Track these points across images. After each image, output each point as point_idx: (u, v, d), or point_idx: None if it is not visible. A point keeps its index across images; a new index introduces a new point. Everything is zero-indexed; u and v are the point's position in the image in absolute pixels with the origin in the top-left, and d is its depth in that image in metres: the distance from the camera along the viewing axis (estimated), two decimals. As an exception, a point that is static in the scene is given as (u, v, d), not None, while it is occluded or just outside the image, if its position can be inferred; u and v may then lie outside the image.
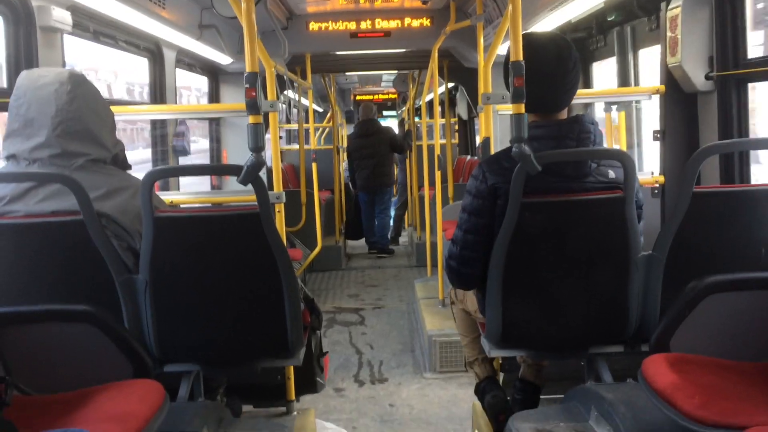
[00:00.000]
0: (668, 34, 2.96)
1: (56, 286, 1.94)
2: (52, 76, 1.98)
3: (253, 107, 2.04)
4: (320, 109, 12.81)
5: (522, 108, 1.94)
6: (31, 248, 1.92)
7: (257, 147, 2.02)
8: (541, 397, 2.52)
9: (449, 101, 8.41)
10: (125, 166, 2.14)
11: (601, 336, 2.16)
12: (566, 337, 2.16)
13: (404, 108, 11.06)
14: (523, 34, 2.02)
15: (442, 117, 7.49)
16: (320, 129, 10.14)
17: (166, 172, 3.29)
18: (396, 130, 8.41)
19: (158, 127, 4.34)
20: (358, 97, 14.99)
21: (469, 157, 8.21)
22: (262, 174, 2.06)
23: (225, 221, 1.99)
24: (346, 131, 10.55)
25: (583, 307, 2.09)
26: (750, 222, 2.00)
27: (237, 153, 5.59)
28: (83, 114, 1.98)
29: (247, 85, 2.02)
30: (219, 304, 2.03)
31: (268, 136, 3.03)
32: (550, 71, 2.04)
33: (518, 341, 2.20)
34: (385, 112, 15.10)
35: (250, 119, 2.03)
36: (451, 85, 7.66)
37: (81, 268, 1.94)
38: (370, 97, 14.70)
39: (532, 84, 1.95)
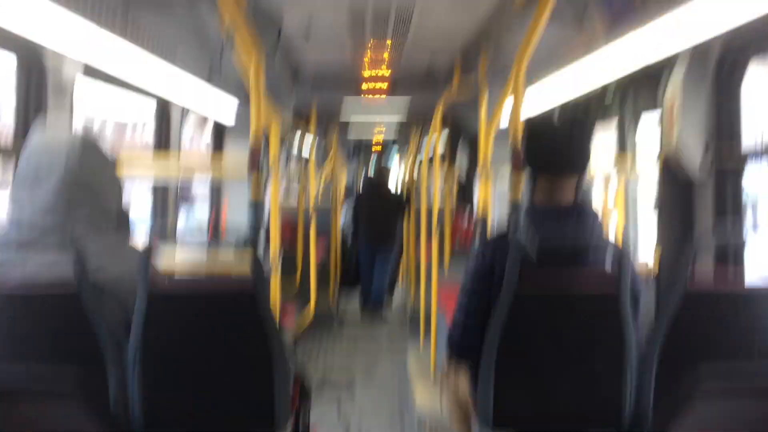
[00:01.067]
0: (666, 118, 3.00)
1: (47, 355, 1.92)
2: (64, 140, 1.98)
3: (256, 175, 2.03)
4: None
5: (519, 193, 1.96)
6: (24, 317, 1.91)
7: (257, 222, 2.03)
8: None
9: (451, 153, 8.44)
10: (128, 233, 2.13)
11: (594, 421, 2.14)
12: (559, 421, 2.14)
13: (405, 148, 11.10)
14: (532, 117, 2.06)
15: (443, 162, 7.44)
16: (318, 184, 10.15)
17: (162, 247, 3.29)
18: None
19: (159, 183, 4.36)
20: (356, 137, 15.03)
21: (467, 209, 8.18)
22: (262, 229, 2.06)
23: (219, 298, 1.99)
24: (344, 180, 10.54)
25: (578, 391, 2.08)
26: (744, 320, 2.00)
27: (238, 204, 5.59)
28: (92, 181, 1.98)
29: (251, 151, 2.02)
30: (208, 376, 2.01)
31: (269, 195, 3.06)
32: (566, 128, 2.07)
33: (510, 423, 2.18)
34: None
35: (252, 194, 2.04)
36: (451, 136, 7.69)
37: (70, 338, 1.92)
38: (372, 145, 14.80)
39: (547, 140, 1.98)
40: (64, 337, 1.92)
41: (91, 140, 2.04)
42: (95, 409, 1.77)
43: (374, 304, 7.77)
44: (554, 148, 2.06)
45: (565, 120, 2.11)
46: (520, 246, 1.90)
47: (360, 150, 15.27)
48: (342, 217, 8.48)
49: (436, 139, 4.70)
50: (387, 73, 6.13)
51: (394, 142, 15.01)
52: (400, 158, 13.60)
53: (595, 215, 2.09)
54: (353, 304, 8.04)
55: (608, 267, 2.04)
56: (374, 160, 8.15)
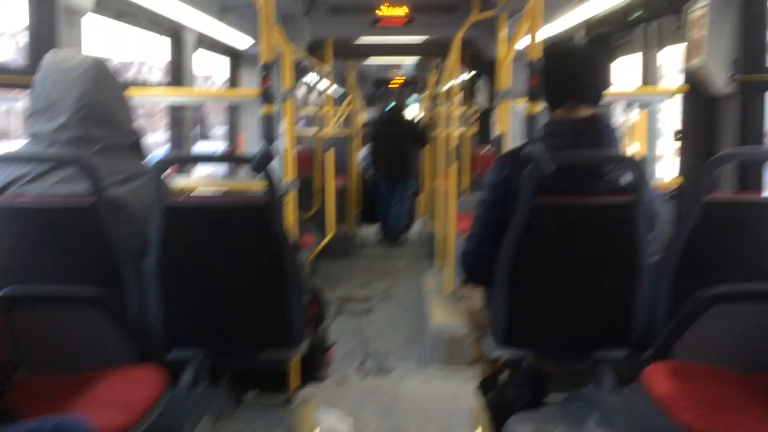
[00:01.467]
0: (693, 33, 2.91)
1: (65, 269, 1.96)
2: (77, 60, 2.01)
3: (266, 98, 2.04)
4: (338, 94, 12.79)
5: (536, 107, 1.93)
6: (41, 231, 1.95)
7: (269, 137, 2.03)
8: (544, 397, 2.52)
9: (471, 89, 8.35)
10: (143, 153, 2.16)
11: (605, 340, 2.15)
12: (571, 339, 2.16)
13: (424, 94, 11.00)
14: (553, 42, 2.02)
15: (463, 102, 7.41)
16: (337, 114, 10.14)
17: (178, 161, 3.31)
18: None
19: (174, 110, 4.36)
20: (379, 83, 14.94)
21: (486, 147, 8.16)
22: (278, 159, 2.07)
23: (233, 212, 2.01)
24: (365, 116, 10.50)
25: (589, 309, 2.09)
26: (763, 233, 1.98)
27: (255, 138, 5.60)
28: (106, 100, 2.01)
29: (263, 75, 2.02)
30: (224, 291, 2.05)
31: (283, 123, 3.05)
32: (581, 56, 2.06)
33: (522, 341, 2.20)
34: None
35: (263, 110, 2.04)
36: (473, 72, 7.60)
37: (90, 252, 1.96)
38: (390, 84, 14.64)
39: (562, 68, 1.96)
40: (82, 249, 1.96)
41: (102, 62, 2.06)
42: (116, 318, 1.82)
43: (393, 236, 7.85)
44: (569, 83, 2.04)
45: (579, 52, 2.08)
46: (536, 157, 1.87)
47: (379, 89, 15.14)
48: (362, 153, 8.46)
49: (456, 67, 4.62)
50: (404, 10, 6.00)
51: (412, 85, 14.85)
52: (419, 103, 13.45)
53: (613, 129, 2.05)
54: (372, 231, 8.14)
55: (625, 180, 2.01)
56: (395, 92, 8.01)
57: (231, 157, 4.36)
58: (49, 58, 2.03)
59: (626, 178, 2.02)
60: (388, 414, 3.45)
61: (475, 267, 2.18)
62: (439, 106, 6.94)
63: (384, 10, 5.98)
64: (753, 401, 1.64)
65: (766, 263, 1.97)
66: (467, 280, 2.36)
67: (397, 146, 7.58)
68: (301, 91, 9.55)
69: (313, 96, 10.34)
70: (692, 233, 1.94)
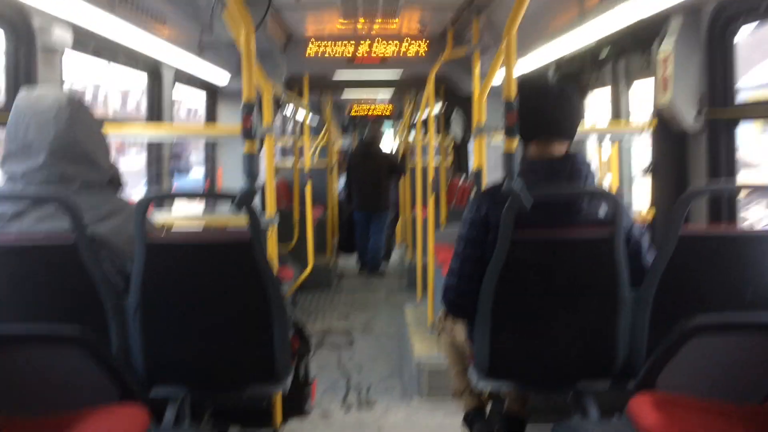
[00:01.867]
0: (659, 73, 3.00)
1: (45, 308, 1.94)
2: (51, 100, 1.99)
3: (248, 135, 2.06)
4: (315, 122, 12.84)
5: (513, 145, 1.97)
6: (23, 270, 1.92)
7: (251, 174, 2.04)
8: (528, 429, 2.52)
9: (445, 120, 8.46)
10: (120, 188, 2.16)
11: (588, 371, 2.18)
12: (554, 370, 2.18)
13: (400, 122, 11.09)
14: (524, 77, 2.08)
15: (438, 133, 7.50)
16: (315, 144, 10.19)
17: (160, 198, 3.30)
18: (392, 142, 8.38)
19: (154, 146, 4.35)
20: (354, 111, 15.06)
21: (463, 178, 8.24)
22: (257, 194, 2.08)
23: (216, 249, 2.01)
24: (341, 145, 10.57)
25: (572, 341, 2.11)
26: (736, 265, 2.03)
27: (232, 173, 5.60)
28: (81, 138, 2.00)
29: (244, 114, 2.04)
30: (208, 328, 2.04)
31: (264, 156, 3.06)
32: (555, 94, 2.12)
33: (505, 373, 2.21)
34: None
35: (245, 148, 2.06)
36: (447, 103, 7.70)
37: (71, 290, 1.94)
38: (366, 110, 14.75)
39: (537, 105, 2.01)
40: (63, 287, 1.94)
41: (76, 99, 2.05)
42: (98, 356, 1.80)
43: (371, 267, 7.84)
44: (543, 117, 2.11)
45: (552, 88, 2.15)
46: (515, 194, 1.91)
47: (355, 122, 15.28)
48: (339, 184, 8.50)
49: (431, 100, 4.69)
50: (380, 47, 6.10)
51: (387, 117, 14.99)
52: (394, 131, 13.56)
53: (588, 165, 2.11)
54: (351, 261, 8.12)
55: (602, 214, 2.06)
56: (368, 126, 8.15)
57: (213, 194, 4.36)
58: (22, 97, 2.01)
59: (603, 210, 2.07)
60: (373, 449, 3.42)
61: (457, 302, 2.21)
62: (415, 137, 7.02)
63: (360, 50, 6.09)
64: (736, 431, 1.67)
65: (741, 294, 2.02)
66: (450, 314, 2.38)
67: (372, 178, 7.60)
68: (278, 121, 9.58)
69: (290, 126, 10.39)
70: (668, 266, 1.99)
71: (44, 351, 1.82)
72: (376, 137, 7.84)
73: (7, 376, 1.79)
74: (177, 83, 4.66)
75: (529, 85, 2.14)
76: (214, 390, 2.21)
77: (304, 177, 6.03)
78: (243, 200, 1.96)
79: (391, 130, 15.31)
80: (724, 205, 2.90)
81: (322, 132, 8.78)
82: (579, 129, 2.18)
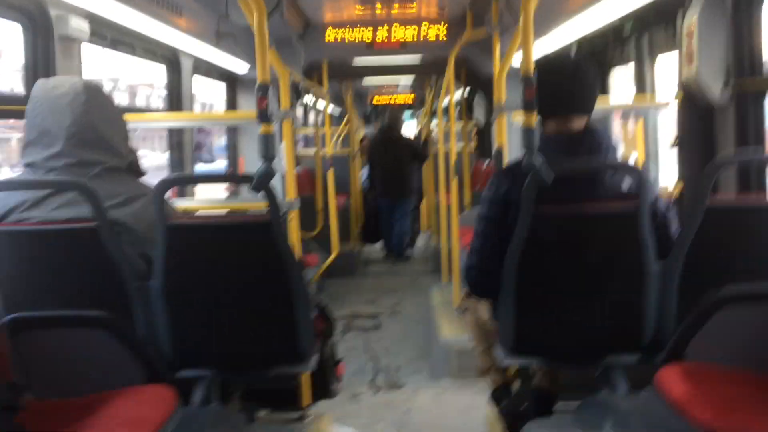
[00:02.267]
0: (684, 46, 2.93)
1: (70, 293, 1.96)
2: (67, 87, 2.01)
3: (263, 117, 2.06)
4: (337, 113, 12.85)
5: (533, 120, 1.94)
6: (46, 255, 1.95)
7: (268, 156, 2.04)
8: (557, 405, 2.50)
9: (467, 105, 8.41)
10: (140, 173, 2.17)
11: (616, 345, 2.15)
12: (581, 346, 2.15)
13: (422, 110, 11.06)
14: (541, 58, 2.05)
15: (460, 118, 7.46)
16: (337, 133, 10.20)
17: (179, 181, 3.33)
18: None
19: (175, 134, 4.38)
20: (375, 101, 15.05)
21: (486, 162, 8.19)
22: (279, 180, 2.07)
23: (236, 230, 2.01)
24: (363, 134, 10.57)
25: (598, 315, 2.08)
26: (764, 236, 1.98)
27: (254, 160, 5.62)
28: (98, 123, 2.01)
29: (258, 95, 2.04)
30: (231, 310, 2.05)
31: (283, 144, 3.06)
32: (571, 69, 2.10)
33: (532, 350, 2.19)
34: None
35: (261, 129, 2.06)
36: (469, 88, 7.65)
37: (94, 274, 1.96)
38: (387, 99, 14.73)
39: (554, 81, 1.99)
40: (86, 271, 1.96)
41: (93, 84, 2.07)
42: (124, 339, 1.82)
43: (397, 253, 7.85)
44: (559, 93, 2.08)
45: (568, 63, 2.14)
46: (535, 170, 1.88)
47: (377, 111, 15.28)
48: (364, 172, 8.50)
49: (451, 85, 4.66)
50: (399, 32, 6.06)
51: (409, 105, 14.94)
52: (417, 119, 13.51)
53: (609, 137, 2.07)
54: (376, 248, 8.15)
55: (625, 187, 2.02)
56: (387, 112, 8.11)
57: (231, 177, 4.38)
58: (39, 87, 2.03)
59: (627, 184, 2.03)
60: (402, 428, 3.44)
61: (479, 281, 2.19)
62: (437, 122, 6.99)
63: (378, 34, 6.05)
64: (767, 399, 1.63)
65: (768, 265, 1.98)
66: (472, 294, 2.36)
67: (394, 164, 7.57)
68: (299, 112, 9.60)
69: (312, 117, 10.42)
70: (696, 238, 1.95)
71: (70, 335, 1.85)
72: (397, 123, 7.78)
73: (35, 359, 1.82)
74: (196, 75, 4.68)
75: (545, 62, 2.12)
76: (240, 371, 2.22)
77: (326, 164, 6.04)
78: (261, 182, 1.96)
79: (414, 119, 15.26)
80: (753, 176, 2.83)
81: (344, 121, 8.78)
82: (603, 105, 2.15)
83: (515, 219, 2.00)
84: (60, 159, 1.97)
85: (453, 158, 4.66)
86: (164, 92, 4.45)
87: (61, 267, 1.96)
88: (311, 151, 7.53)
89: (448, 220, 5.04)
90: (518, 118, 3.11)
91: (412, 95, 13.81)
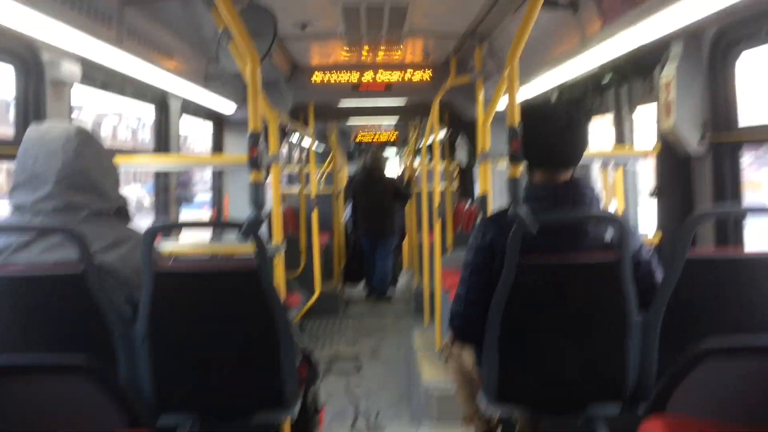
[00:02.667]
0: (662, 98, 3.02)
1: (54, 338, 1.95)
2: (59, 131, 2.03)
3: (254, 165, 2.09)
4: (320, 151, 12.92)
5: (518, 171, 1.99)
6: (31, 300, 1.94)
7: (258, 203, 2.06)
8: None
9: (450, 146, 8.51)
10: (128, 218, 2.18)
11: (598, 395, 2.16)
12: (563, 395, 2.16)
13: (404, 148, 11.17)
14: (528, 102, 2.09)
15: (443, 158, 7.54)
16: (320, 171, 10.23)
17: (167, 227, 3.34)
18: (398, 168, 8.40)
19: (161, 175, 4.39)
20: (358, 140, 15.18)
21: (469, 202, 8.26)
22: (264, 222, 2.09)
23: (224, 277, 2.02)
24: (346, 171, 10.63)
25: (581, 366, 2.10)
26: (745, 288, 2.02)
27: (238, 201, 5.64)
28: (89, 168, 2.02)
29: (250, 145, 2.07)
30: (216, 356, 2.04)
31: (270, 187, 3.09)
32: (562, 124, 2.10)
33: (515, 398, 2.20)
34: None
35: (252, 177, 2.08)
36: (452, 130, 7.75)
37: (79, 319, 1.95)
38: (371, 136, 14.87)
39: (542, 135, 2.02)
40: (71, 316, 1.95)
41: (85, 129, 2.09)
42: (106, 385, 1.80)
43: (379, 292, 7.82)
44: (549, 148, 2.10)
45: (559, 117, 2.12)
46: (521, 219, 1.92)
47: (360, 149, 15.43)
48: (346, 212, 8.53)
49: (435, 126, 4.73)
50: (384, 75, 6.17)
51: (392, 144, 15.10)
52: (399, 157, 13.64)
53: (592, 189, 2.12)
54: (358, 287, 8.11)
55: (608, 237, 2.06)
56: (370, 151, 8.15)
57: (221, 223, 4.38)
58: (32, 130, 2.05)
59: (610, 234, 2.08)
60: (381, 476, 3.39)
61: (464, 328, 2.22)
62: (420, 162, 7.05)
63: (364, 78, 6.15)
64: (748, 453, 1.65)
65: (751, 317, 2.01)
66: (457, 340, 2.37)
67: (377, 203, 7.57)
68: (284, 149, 9.65)
69: (296, 154, 10.47)
70: (676, 289, 1.99)
71: (51, 381, 1.82)
72: (380, 163, 7.81)
73: (14, 406, 1.79)
74: (184, 114, 4.71)
75: (534, 112, 2.13)
76: (223, 418, 2.20)
77: (310, 203, 6.06)
78: (250, 229, 1.98)
79: (396, 157, 15.41)
80: (731, 229, 2.90)
81: (328, 159, 8.84)
82: (584, 154, 2.19)
83: (500, 267, 2.03)
84: (48, 202, 1.97)
85: (437, 199, 4.71)
86: (135, 123, 4.46)
87: (46, 312, 1.94)
88: (295, 189, 7.55)
89: (430, 260, 5.06)
90: (502, 164, 3.17)
91: (396, 133, 13.97)
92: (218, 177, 5.84)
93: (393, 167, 14.84)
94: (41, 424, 1.82)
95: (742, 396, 1.87)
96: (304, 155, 6.97)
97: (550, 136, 2.10)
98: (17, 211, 2.01)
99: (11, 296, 1.95)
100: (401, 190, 7.73)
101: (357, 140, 15.13)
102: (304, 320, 6.17)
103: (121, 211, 2.15)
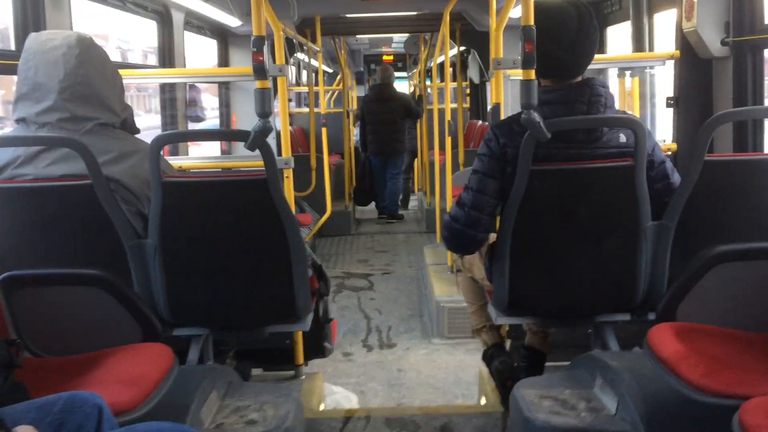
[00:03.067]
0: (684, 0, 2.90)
1: (65, 250, 1.96)
2: (60, 40, 1.96)
3: (260, 72, 2.03)
4: (330, 71, 12.70)
5: (532, 74, 1.91)
6: (40, 212, 1.93)
7: (264, 112, 2.01)
8: (548, 364, 2.54)
9: (461, 64, 8.32)
10: (134, 130, 2.14)
11: (608, 304, 2.17)
12: (573, 304, 2.17)
13: (415, 70, 10.96)
14: (539, 1, 1.99)
15: (454, 80, 7.39)
16: (330, 92, 10.08)
17: (174, 137, 3.30)
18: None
19: (167, 91, 4.32)
20: (368, 58, 14.88)
21: (480, 122, 8.15)
22: (272, 138, 2.05)
23: (232, 186, 2.00)
24: (356, 93, 10.48)
25: (591, 274, 2.09)
26: (762, 192, 1.98)
27: (246, 118, 5.56)
28: (91, 78, 1.97)
29: (254, 50, 2.00)
30: (228, 268, 2.05)
31: (277, 101, 3.03)
32: (571, 36, 2.00)
33: (525, 308, 2.21)
34: (395, 73, 14.95)
35: (257, 84, 2.02)
36: (463, 48, 7.55)
37: (90, 232, 1.95)
38: (381, 57, 14.56)
39: (551, 48, 1.94)
40: (82, 228, 1.95)
41: (87, 38, 2.02)
42: (120, 296, 1.82)
43: (390, 213, 7.84)
44: (560, 61, 2.01)
45: (569, 24, 2.00)
46: (534, 124, 1.86)
47: (370, 69, 15.16)
48: (355, 131, 8.45)
49: (446, 40, 4.59)
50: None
51: (402, 67, 14.77)
52: (409, 81, 13.38)
53: (606, 88, 2.04)
54: (370, 207, 8.13)
55: (624, 139, 2.00)
56: (381, 68, 7.92)
57: (227, 133, 4.33)
58: (32, 40, 1.99)
59: (624, 137, 2.01)
60: (394, 387, 3.48)
61: (464, 233, 2.11)
62: (431, 80, 6.92)
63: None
64: (757, 359, 1.66)
65: (766, 222, 1.98)
66: (448, 247, 2.30)
67: (387, 121, 7.44)
68: (292, 71, 9.48)
69: (304, 76, 10.29)
70: (693, 194, 1.94)
71: (65, 293, 1.85)
72: (390, 80, 7.66)
73: (32, 317, 1.82)
74: (187, 33, 4.59)
75: (542, 17, 2.01)
76: (236, 329, 2.24)
77: (319, 123, 5.99)
78: (256, 139, 1.94)
79: (406, 81, 15.13)
80: (750, 136, 2.83)
81: (338, 78, 8.69)
82: (602, 60, 2.09)
83: (511, 175, 1.99)
84: (52, 113, 1.93)
85: (447, 117, 4.62)
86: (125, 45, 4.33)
87: (56, 224, 1.94)
88: (304, 110, 7.46)
89: (442, 179, 5.03)
90: (515, 73, 3.07)
91: (406, 55, 13.65)
92: (226, 93, 5.75)
93: (402, 87, 14.59)
94: (57, 335, 1.87)
95: (751, 303, 1.86)
96: (313, 75, 6.81)
97: (560, 49, 1.99)
98: (22, 124, 1.98)
99: (21, 209, 1.95)
100: (412, 107, 7.59)
101: (365, 61, 14.82)
102: (315, 240, 6.21)
103: (127, 123, 2.11)
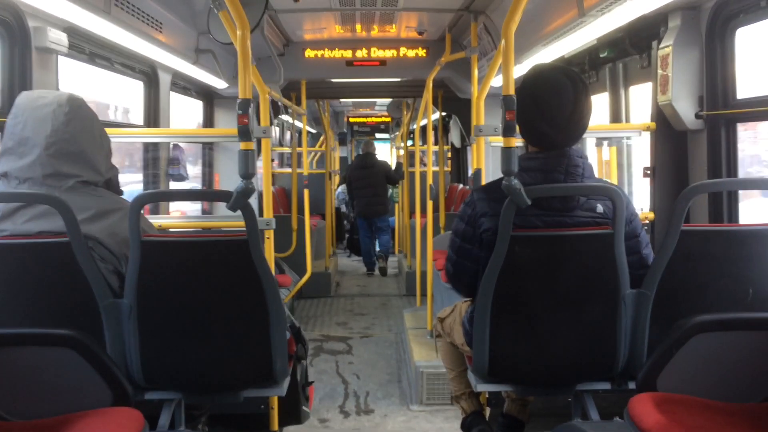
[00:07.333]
0: (659, 72, 2.99)
1: (39, 309, 1.91)
2: (51, 98, 1.99)
3: (245, 134, 2.04)
4: (313, 131, 12.87)
5: (512, 142, 1.94)
6: (15, 268, 1.90)
7: (248, 173, 2.02)
8: (528, 430, 2.50)
9: (443, 128, 8.51)
10: (117, 191, 2.13)
11: (588, 372, 2.15)
12: (553, 372, 2.15)
13: (397, 133, 11.14)
14: (535, 66, 2.04)
15: (436, 144, 7.52)
16: (313, 152, 10.20)
17: (155, 197, 3.28)
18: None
19: (150, 150, 4.33)
20: (351, 119, 15.10)
21: (461, 185, 8.25)
22: (254, 199, 2.05)
23: (213, 247, 1.98)
24: (338, 154, 10.62)
25: (572, 341, 2.08)
26: (738, 261, 2.00)
27: (229, 178, 5.59)
28: (78, 136, 1.98)
29: (240, 112, 2.03)
30: (205, 329, 2.00)
31: (260, 162, 3.05)
32: (565, 115, 2.02)
33: (505, 375, 2.18)
34: (377, 134, 15.22)
35: (242, 146, 2.04)
36: (444, 113, 7.71)
37: (65, 290, 1.91)
38: (364, 119, 14.80)
39: (543, 127, 1.99)
40: (58, 287, 1.91)
41: (77, 98, 2.04)
42: (92, 357, 1.77)
43: (379, 254, 8.45)
44: (551, 136, 2.03)
45: (566, 100, 2.02)
46: (514, 191, 1.88)
47: (353, 131, 15.40)
48: (338, 191, 8.73)
49: (429, 105, 4.68)
50: (378, 52, 6.09)
51: (384, 129, 15.05)
52: (392, 143, 13.62)
53: (585, 158, 2.07)
54: (350, 265, 8.22)
55: (600, 209, 2.02)
56: (364, 141, 9.04)
57: (209, 194, 4.32)
58: (23, 97, 2.01)
59: (601, 207, 2.04)
60: (371, 455, 3.39)
61: (458, 288, 2.24)
62: (413, 143, 7.02)
63: (358, 53, 6.08)
64: (738, 430, 1.64)
65: (742, 290, 1.99)
66: (453, 286, 2.32)
67: (371, 186, 8.37)
68: (276, 132, 9.61)
69: (288, 137, 10.42)
70: (670, 262, 1.96)
71: (38, 353, 1.79)
72: (371, 148, 8.77)
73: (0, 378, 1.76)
74: (173, 94, 4.64)
75: (542, 92, 2.03)
76: (211, 393, 2.18)
77: (302, 182, 6.02)
78: (238, 200, 1.93)
79: (388, 145, 15.42)
80: (725, 206, 2.88)
81: (320, 140, 8.84)
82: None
83: (489, 242, 1.99)
84: (35, 169, 1.93)
85: (429, 181, 4.67)
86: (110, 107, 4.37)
87: (31, 282, 1.90)
88: (287, 170, 7.52)
89: (423, 242, 5.04)
90: (496, 140, 3.13)
91: (389, 117, 13.90)
92: (209, 153, 5.78)
93: (385, 154, 14.84)
94: (26, 397, 1.80)
95: (732, 373, 1.86)
96: (296, 134, 6.91)
97: (548, 127, 2.01)
98: (3, 179, 1.97)
99: None
100: (390, 173, 8.61)
101: (349, 120, 15.06)
102: (294, 301, 6.15)
103: (111, 183, 2.10)
